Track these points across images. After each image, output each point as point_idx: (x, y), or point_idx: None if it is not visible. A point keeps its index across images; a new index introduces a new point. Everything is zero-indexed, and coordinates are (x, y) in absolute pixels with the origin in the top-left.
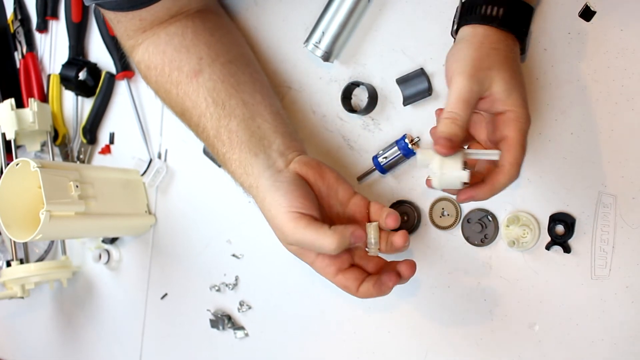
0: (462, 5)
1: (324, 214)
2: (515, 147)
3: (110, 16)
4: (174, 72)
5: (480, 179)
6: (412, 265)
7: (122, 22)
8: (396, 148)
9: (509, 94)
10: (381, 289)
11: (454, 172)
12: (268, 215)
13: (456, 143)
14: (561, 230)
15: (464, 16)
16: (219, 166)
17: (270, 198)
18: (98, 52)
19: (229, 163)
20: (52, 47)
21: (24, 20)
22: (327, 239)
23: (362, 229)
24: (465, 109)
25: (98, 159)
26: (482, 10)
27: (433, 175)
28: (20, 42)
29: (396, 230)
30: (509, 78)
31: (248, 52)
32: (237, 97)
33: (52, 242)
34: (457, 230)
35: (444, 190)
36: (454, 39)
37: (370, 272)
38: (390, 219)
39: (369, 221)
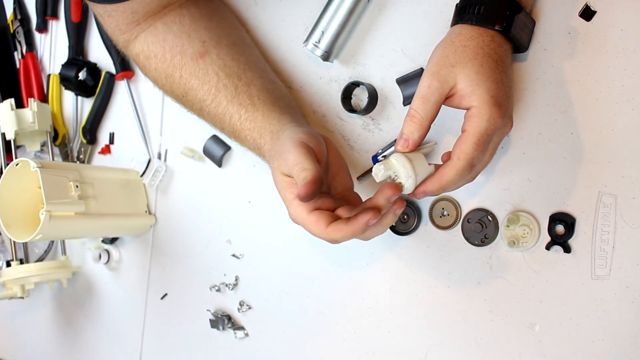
0: (455, 7)
1: (326, 180)
2: (465, 141)
3: (100, 11)
4: (177, 56)
5: None
6: (396, 187)
7: (113, 17)
8: None
9: (472, 90)
10: (353, 226)
11: (423, 171)
12: (279, 143)
13: (413, 142)
14: (561, 230)
15: (454, 18)
16: (219, 166)
17: (291, 130)
18: (98, 52)
19: (249, 122)
20: (52, 47)
21: (24, 20)
22: (306, 166)
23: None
24: (423, 105)
25: (98, 159)
26: (469, 10)
27: (406, 179)
28: (20, 42)
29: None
30: (474, 74)
31: (247, 35)
32: (251, 71)
33: (52, 242)
34: (457, 230)
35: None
36: None
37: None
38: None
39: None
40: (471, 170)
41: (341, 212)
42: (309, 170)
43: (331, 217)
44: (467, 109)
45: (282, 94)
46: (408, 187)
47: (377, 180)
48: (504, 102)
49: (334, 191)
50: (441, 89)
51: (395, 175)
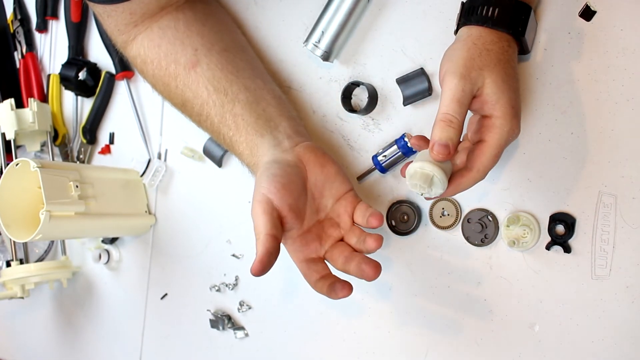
0: (462, 6)
1: (313, 205)
2: (487, 154)
3: (99, 10)
4: (171, 65)
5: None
6: (376, 268)
7: (112, 17)
8: (395, 147)
9: (497, 98)
10: (331, 294)
11: (446, 176)
12: (254, 189)
13: (453, 148)
14: (561, 230)
15: (462, 17)
16: (219, 166)
17: (260, 175)
18: (98, 52)
19: (236, 146)
20: (52, 47)
21: (24, 20)
22: (260, 240)
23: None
24: (459, 109)
25: (98, 159)
26: (478, 11)
27: (434, 193)
28: (20, 42)
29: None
30: (500, 82)
31: (241, 38)
32: (238, 83)
33: (52, 242)
34: (457, 230)
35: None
36: None
37: (338, 267)
38: (374, 219)
39: (353, 223)
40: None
41: (331, 255)
42: (261, 244)
43: (318, 272)
44: (487, 117)
45: (267, 105)
46: (433, 192)
47: (410, 188)
48: (519, 112)
49: (323, 212)
50: (472, 91)
51: (423, 188)
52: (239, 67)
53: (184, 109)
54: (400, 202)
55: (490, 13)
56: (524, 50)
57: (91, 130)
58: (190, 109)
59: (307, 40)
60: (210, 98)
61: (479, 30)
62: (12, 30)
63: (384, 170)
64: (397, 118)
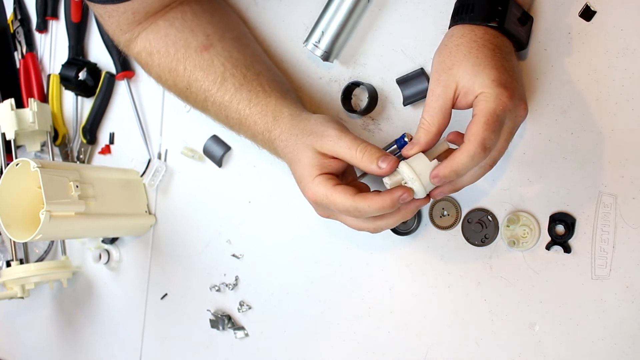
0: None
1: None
2: (475, 123)
3: (100, 11)
4: (181, 49)
5: None
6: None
7: (113, 17)
8: (395, 147)
9: (473, 81)
10: (384, 197)
11: (424, 167)
12: (312, 121)
13: (419, 145)
14: (561, 230)
15: (450, 22)
16: (219, 166)
17: (318, 115)
18: (98, 52)
19: (260, 106)
20: (52, 47)
21: (24, 20)
22: (376, 149)
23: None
24: (428, 112)
25: (98, 159)
26: (458, 12)
27: (413, 185)
28: (20, 42)
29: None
30: (471, 67)
31: (248, 32)
32: (259, 64)
33: (52, 242)
34: (457, 230)
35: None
36: None
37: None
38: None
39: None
40: (485, 153)
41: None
42: (377, 148)
43: (358, 191)
44: (474, 100)
45: (290, 88)
46: (414, 187)
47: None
48: (509, 84)
49: (344, 181)
50: (444, 94)
51: (405, 182)
52: (256, 54)
53: (189, 91)
54: None
55: (469, 11)
56: (519, 45)
57: (91, 130)
58: (197, 88)
59: (307, 40)
60: (228, 71)
61: (453, 29)
62: (12, 30)
63: None
64: (397, 118)
